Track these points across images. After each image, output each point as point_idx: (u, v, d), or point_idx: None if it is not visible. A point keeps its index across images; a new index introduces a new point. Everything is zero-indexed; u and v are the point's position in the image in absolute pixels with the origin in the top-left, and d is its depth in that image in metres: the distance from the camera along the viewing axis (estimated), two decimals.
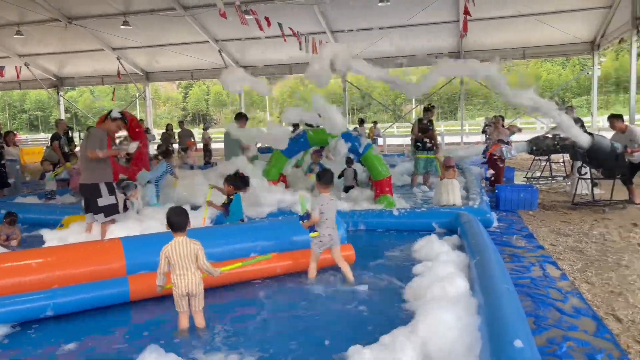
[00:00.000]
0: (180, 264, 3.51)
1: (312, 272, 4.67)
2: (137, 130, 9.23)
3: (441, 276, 4.20)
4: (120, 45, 20.90)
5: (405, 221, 6.59)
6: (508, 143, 9.56)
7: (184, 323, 3.60)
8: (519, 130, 10.46)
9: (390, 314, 3.86)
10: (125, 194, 6.65)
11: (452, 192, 7.39)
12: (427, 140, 9.60)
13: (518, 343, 2.55)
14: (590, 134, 7.53)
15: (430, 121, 9.85)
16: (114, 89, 26.49)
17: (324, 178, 4.73)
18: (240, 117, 9.13)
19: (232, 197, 5.87)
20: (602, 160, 7.66)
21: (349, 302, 4.13)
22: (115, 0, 16.69)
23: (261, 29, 14.16)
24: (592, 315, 3.69)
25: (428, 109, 9.96)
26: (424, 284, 4.18)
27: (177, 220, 3.57)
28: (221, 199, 6.04)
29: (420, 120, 9.85)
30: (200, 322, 3.63)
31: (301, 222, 4.59)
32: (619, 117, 8.10)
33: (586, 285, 4.36)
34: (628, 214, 7.26)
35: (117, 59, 21.31)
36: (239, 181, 5.97)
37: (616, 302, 3.97)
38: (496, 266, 4.02)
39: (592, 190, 8.24)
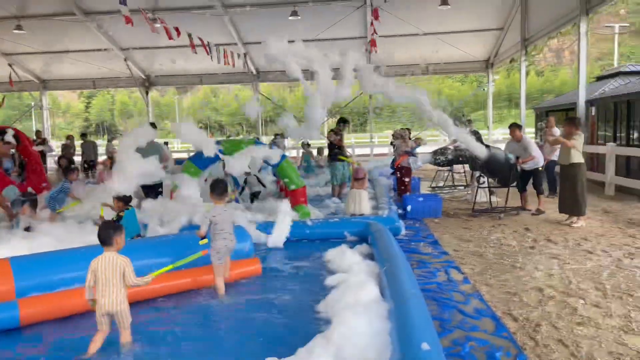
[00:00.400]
0: (103, 281, 3.36)
1: (221, 287, 4.55)
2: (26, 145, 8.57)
3: (353, 284, 4.30)
4: (12, 51, 19.38)
5: (318, 231, 6.67)
6: (414, 155, 10.04)
7: (95, 344, 3.39)
8: (424, 142, 11.02)
9: (305, 323, 3.87)
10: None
11: (359, 202, 7.61)
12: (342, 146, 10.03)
13: (425, 346, 2.67)
14: (487, 146, 8.09)
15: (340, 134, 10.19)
16: (3, 97, 24.32)
17: (216, 189, 4.68)
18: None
19: (122, 213, 5.65)
20: (498, 170, 8.25)
21: (263, 314, 4.09)
22: (8, 2, 15.46)
23: (170, 37, 13.76)
24: (491, 316, 3.94)
25: (345, 122, 10.32)
26: (338, 292, 4.26)
27: (105, 235, 3.46)
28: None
29: (335, 131, 10.09)
30: (125, 338, 3.48)
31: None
32: (519, 126, 8.79)
33: (485, 288, 4.65)
34: (521, 219, 7.87)
35: (9, 65, 19.71)
36: (127, 197, 5.81)
37: (512, 302, 4.27)
38: (404, 273, 4.17)
39: (490, 198, 8.85)
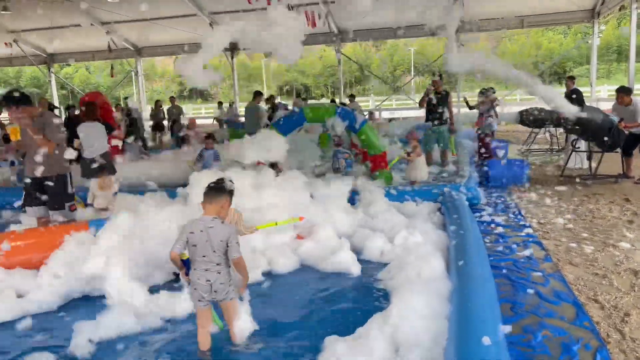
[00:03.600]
0: None
1: (202, 341, 3.09)
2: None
3: (418, 256, 4.04)
4: (109, 20, 20.40)
5: (393, 199, 6.38)
6: (490, 115, 9.26)
7: None
8: (498, 103, 10.02)
9: (367, 295, 3.85)
10: None
11: (415, 169, 7.39)
12: (436, 113, 8.88)
13: (486, 340, 2.38)
14: (581, 105, 7.27)
15: (441, 93, 8.88)
16: (112, 65, 25.99)
17: (207, 190, 3.12)
18: (258, 95, 11.58)
19: None
20: (593, 132, 7.41)
21: (325, 287, 4.00)
22: None
23: (249, 1, 13.71)
24: (573, 301, 3.51)
25: (434, 79, 9.16)
26: (400, 264, 4.05)
27: None
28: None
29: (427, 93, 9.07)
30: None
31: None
32: (627, 91, 7.72)
33: (570, 267, 4.18)
34: (621, 189, 7.04)
35: (107, 33, 20.83)
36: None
37: (600, 285, 3.79)
38: (474, 249, 3.84)
39: (590, 164, 8.00)
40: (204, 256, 2.95)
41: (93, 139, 6.40)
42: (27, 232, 4.66)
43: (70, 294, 4.02)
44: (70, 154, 5.21)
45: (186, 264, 3.05)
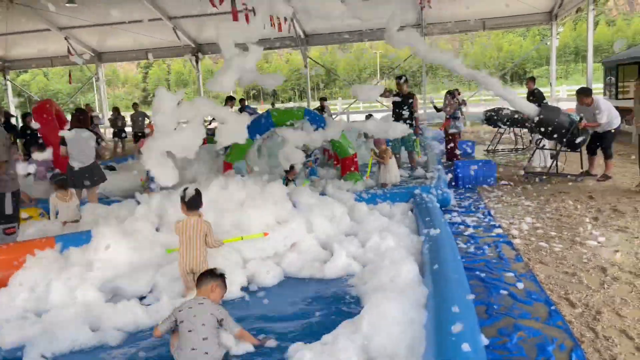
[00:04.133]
0: (187, 241, 3.73)
1: None
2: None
3: (391, 261, 3.99)
4: (67, 25, 19.81)
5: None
6: (457, 117, 9.36)
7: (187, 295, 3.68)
8: (465, 104, 10.20)
9: (338, 300, 3.78)
10: None
11: (386, 172, 7.47)
12: (401, 115, 8.68)
13: (465, 347, 2.35)
14: (541, 105, 7.42)
15: (404, 94, 8.72)
16: (70, 71, 25.25)
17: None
18: (229, 100, 11.84)
19: None
20: (554, 131, 7.57)
21: (297, 292, 3.91)
22: None
23: (213, 5, 13.50)
24: (545, 300, 3.53)
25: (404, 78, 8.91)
26: (373, 269, 4.01)
27: (193, 200, 3.80)
28: None
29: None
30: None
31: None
32: (587, 93, 7.88)
33: (540, 266, 4.22)
34: (584, 187, 7.21)
35: (66, 39, 20.22)
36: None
37: (570, 284, 3.83)
38: (447, 252, 3.82)
39: (555, 162, 8.16)
40: (190, 331, 2.84)
41: (82, 147, 6.23)
42: None
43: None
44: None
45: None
